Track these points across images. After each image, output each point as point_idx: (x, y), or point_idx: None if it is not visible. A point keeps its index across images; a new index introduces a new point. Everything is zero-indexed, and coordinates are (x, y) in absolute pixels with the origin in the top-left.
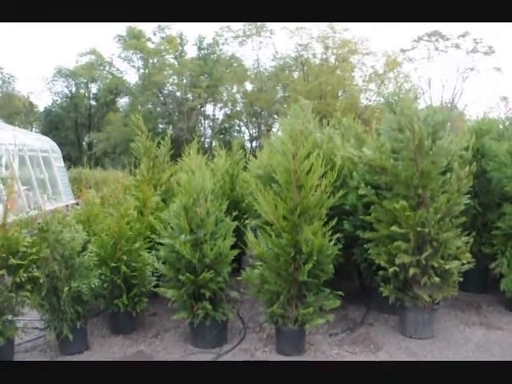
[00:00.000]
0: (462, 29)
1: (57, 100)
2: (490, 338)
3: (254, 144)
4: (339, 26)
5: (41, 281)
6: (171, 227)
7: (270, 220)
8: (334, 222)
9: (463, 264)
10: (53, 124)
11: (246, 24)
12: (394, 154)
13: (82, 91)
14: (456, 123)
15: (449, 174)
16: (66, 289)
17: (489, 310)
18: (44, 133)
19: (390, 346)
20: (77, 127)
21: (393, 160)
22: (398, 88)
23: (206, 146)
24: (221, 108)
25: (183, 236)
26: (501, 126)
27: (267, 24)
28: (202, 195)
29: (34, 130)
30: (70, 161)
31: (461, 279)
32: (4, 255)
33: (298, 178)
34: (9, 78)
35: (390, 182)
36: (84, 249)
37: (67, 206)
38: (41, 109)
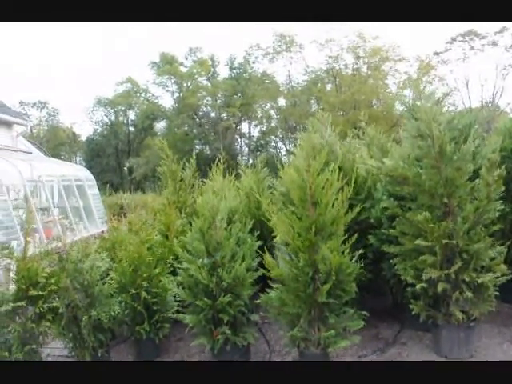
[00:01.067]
0: (498, 25)
1: (97, 129)
2: None
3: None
4: (368, 34)
5: (60, 310)
6: (187, 251)
7: (285, 239)
8: (353, 239)
9: (498, 277)
10: (94, 152)
11: (276, 41)
12: (418, 163)
13: (121, 118)
14: (497, 123)
15: (478, 180)
16: (86, 318)
17: None
18: (87, 161)
19: None
20: (117, 153)
21: (419, 168)
22: (418, 93)
23: (243, 163)
24: (256, 125)
25: (200, 260)
26: None
27: (296, 39)
28: (218, 217)
29: (77, 159)
30: (112, 187)
31: (497, 293)
32: (24, 287)
33: (312, 193)
34: (54, 112)
35: (413, 192)
36: (108, 275)
37: (103, 232)
38: (83, 138)
